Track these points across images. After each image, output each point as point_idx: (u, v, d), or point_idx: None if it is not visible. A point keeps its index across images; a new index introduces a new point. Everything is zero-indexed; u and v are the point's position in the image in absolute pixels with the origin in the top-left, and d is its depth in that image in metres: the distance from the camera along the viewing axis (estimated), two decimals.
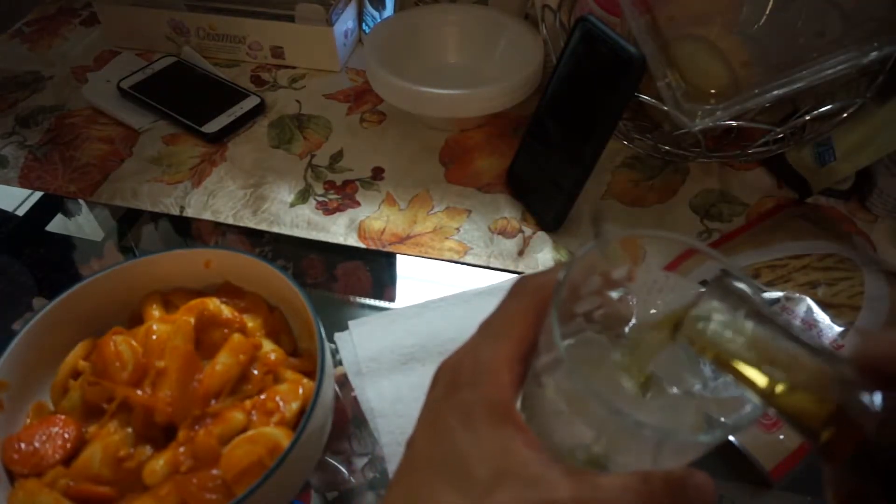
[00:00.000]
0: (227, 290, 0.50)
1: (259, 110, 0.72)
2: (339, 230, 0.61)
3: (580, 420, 0.25)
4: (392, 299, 0.57)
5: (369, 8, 0.80)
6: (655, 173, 0.65)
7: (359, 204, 0.63)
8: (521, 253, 0.58)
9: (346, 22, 0.77)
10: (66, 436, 0.42)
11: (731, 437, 0.44)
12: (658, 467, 0.23)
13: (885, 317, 0.49)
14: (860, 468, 0.20)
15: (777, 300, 0.50)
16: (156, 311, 0.48)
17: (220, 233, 0.62)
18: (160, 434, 0.42)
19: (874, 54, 0.48)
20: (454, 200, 0.63)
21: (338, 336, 0.52)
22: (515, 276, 0.56)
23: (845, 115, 0.54)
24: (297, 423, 0.41)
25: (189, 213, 0.63)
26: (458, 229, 0.61)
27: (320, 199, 0.64)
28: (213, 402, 0.42)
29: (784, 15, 0.52)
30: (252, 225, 0.62)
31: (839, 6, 0.51)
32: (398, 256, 0.59)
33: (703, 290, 0.25)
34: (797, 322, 0.48)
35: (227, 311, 0.47)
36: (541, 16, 0.63)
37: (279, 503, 0.41)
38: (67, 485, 0.40)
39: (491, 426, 0.24)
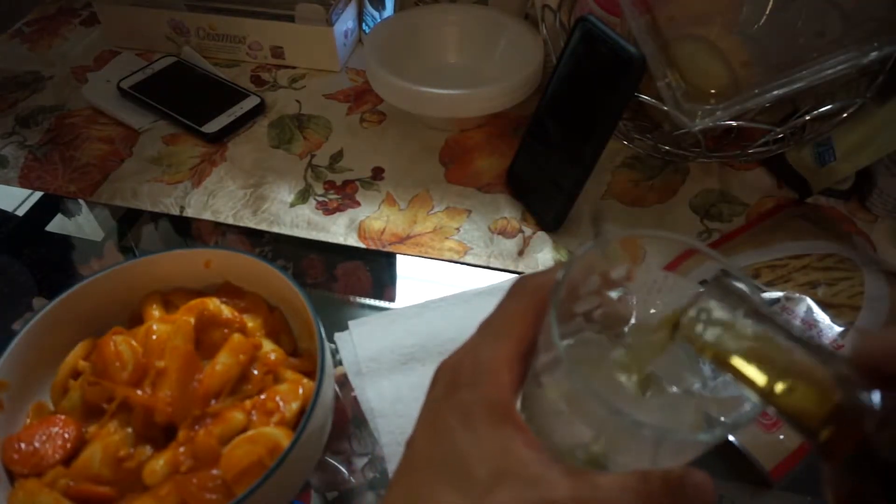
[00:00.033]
0: (227, 290, 0.50)
1: (259, 110, 0.72)
2: (339, 230, 0.61)
3: (579, 420, 0.25)
4: (392, 299, 0.57)
5: (369, 8, 0.80)
6: (655, 173, 0.65)
7: (359, 204, 0.63)
8: (521, 253, 0.58)
9: (346, 22, 0.77)
10: (66, 436, 0.42)
11: (730, 437, 0.44)
12: (657, 466, 0.23)
13: (885, 317, 0.49)
14: (859, 467, 0.20)
15: (777, 300, 0.50)
16: (156, 311, 0.48)
17: (220, 233, 0.62)
18: (160, 434, 0.42)
19: (874, 54, 0.48)
20: (454, 200, 0.63)
21: (338, 336, 0.52)
22: (515, 276, 0.56)
23: (845, 115, 0.54)
24: (297, 423, 0.41)
25: (189, 213, 0.63)
26: (458, 229, 0.61)
27: (320, 199, 0.64)
28: (213, 402, 0.42)
29: (784, 15, 0.52)
30: (252, 225, 0.62)
31: (839, 6, 0.51)
32: (398, 256, 0.59)
33: (702, 289, 0.25)
34: (797, 322, 0.48)
35: (227, 311, 0.47)
36: (541, 16, 0.63)
37: (279, 503, 0.41)
38: (67, 485, 0.40)
39: (490, 426, 0.24)
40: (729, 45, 0.52)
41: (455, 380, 0.26)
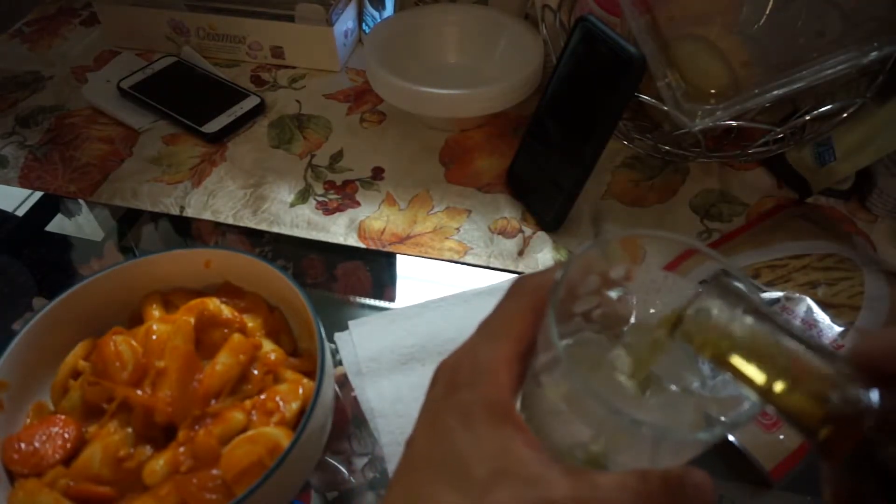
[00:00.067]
0: (227, 290, 0.50)
1: (259, 110, 0.72)
2: (339, 230, 0.61)
3: (579, 419, 0.25)
4: (392, 299, 0.57)
5: (369, 8, 0.80)
6: (655, 173, 0.65)
7: (359, 204, 0.63)
8: (521, 253, 0.58)
9: (346, 22, 0.77)
10: (66, 436, 0.42)
11: (730, 437, 0.44)
12: (657, 466, 0.23)
13: (885, 317, 0.49)
14: (858, 466, 0.20)
15: (777, 300, 0.50)
16: (156, 311, 0.48)
17: (220, 233, 0.62)
18: (160, 434, 0.42)
19: (874, 54, 0.48)
20: (454, 200, 0.63)
21: (338, 336, 0.52)
22: (515, 275, 0.56)
23: (845, 115, 0.54)
24: (297, 423, 0.41)
25: (189, 213, 0.63)
26: (458, 229, 0.61)
27: (320, 199, 0.64)
28: (213, 402, 0.42)
29: (784, 15, 0.52)
30: (252, 225, 0.62)
31: (839, 6, 0.51)
32: (398, 256, 0.59)
33: (701, 289, 0.25)
34: (797, 322, 0.48)
35: (227, 311, 0.47)
36: (541, 16, 0.63)
37: (279, 503, 0.41)
38: (67, 485, 0.40)
39: (490, 426, 0.24)
40: (729, 45, 0.52)
41: (454, 380, 0.26)
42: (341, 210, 0.62)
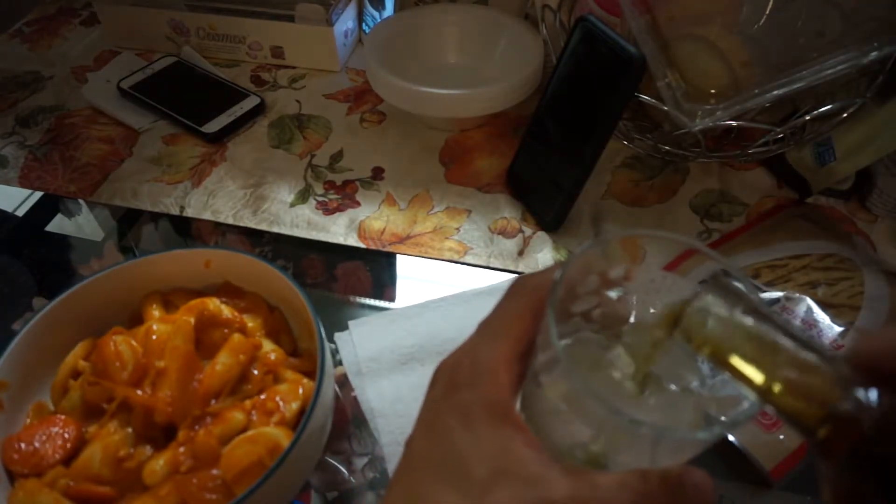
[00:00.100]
0: (227, 290, 0.50)
1: (259, 110, 0.72)
2: (339, 230, 0.61)
3: (578, 419, 0.25)
4: (392, 299, 0.57)
5: (369, 8, 0.80)
6: (655, 173, 0.65)
7: (359, 204, 0.63)
8: (521, 253, 0.58)
9: (346, 22, 0.77)
10: (66, 436, 0.42)
11: (730, 437, 0.44)
12: (657, 465, 0.23)
13: (885, 317, 0.49)
14: (857, 466, 0.20)
15: (777, 300, 0.50)
16: (156, 311, 0.48)
17: (220, 233, 0.62)
18: (160, 434, 0.42)
19: (874, 54, 0.48)
20: (454, 200, 0.63)
21: (338, 336, 0.52)
22: (515, 275, 0.56)
23: (845, 115, 0.54)
24: (297, 423, 0.41)
25: (189, 213, 0.63)
26: (458, 229, 0.61)
27: (320, 199, 0.64)
28: (213, 402, 0.42)
29: (784, 15, 0.52)
30: (252, 225, 0.62)
31: (839, 6, 0.51)
32: (398, 256, 0.59)
33: (700, 289, 0.25)
34: (797, 322, 0.48)
35: (227, 311, 0.47)
36: (541, 16, 0.63)
37: (279, 503, 0.41)
38: (67, 485, 0.40)
39: (490, 426, 0.24)
40: (729, 45, 0.52)
41: (454, 380, 0.26)
42: (341, 210, 0.62)
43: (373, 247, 0.59)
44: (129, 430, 0.42)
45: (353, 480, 0.45)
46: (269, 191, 0.64)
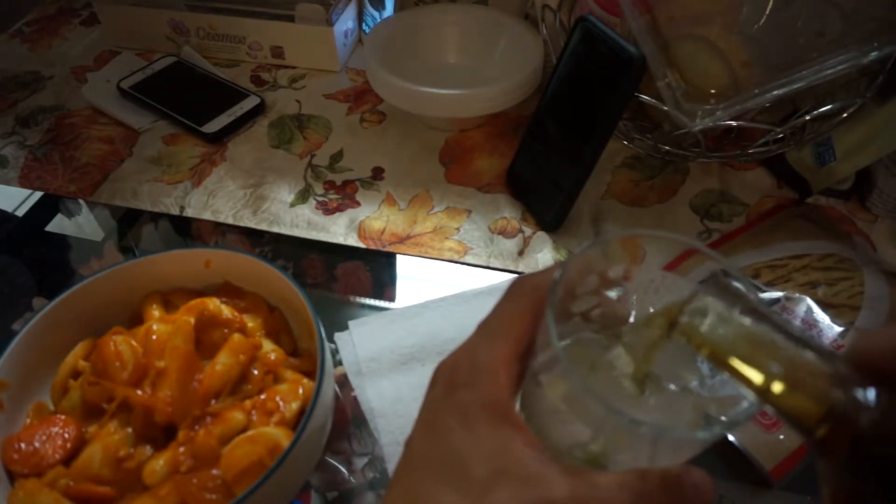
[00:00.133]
0: (227, 290, 0.50)
1: (259, 110, 0.72)
2: (339, 230, 0.61)
3: (578, 419, 0.25)
4: (392, 299, 0.57)
5: (369, 8, 0.80)
6: (655, 173, 0.65)
7: (359, 204, 0.63)
8: (521, 253, 0.58)
9: (346, 22, 0.77)
10: (66, 436, 0.42)
11: (730, 437, 0.44)
12: (656, 465, 0.23)
13: (885, 317, 0.49)
14: (856, 466, 0.20)
15: (777, 300, 0.50)
16: (156, 311, 0.48)
17: (220, 233, 0.62)
18: (160, 434, 0.42)
19: (874, 54, 0.48)
20: (454, 200, 0.63)
21: (338, 336, 0.52)
22: (515, 276, 0.56)
23: (845, 115, 0.54)
24: (297, 423, 0.41)
25: (189, 213, 0.63)
26: (458, 229, 0.61)
27: (320, 199, 0.64)
28: (213, 402, 0.42)
29: (784, 15, 0.52)
30: (252, 225, 0.62)
31: (839, 6, 0.51)
32: (398, 256, 0.59)
33: (700, 288, 0.25)
34: (797, 322, 0.48)
35: (227, 311, 0.47)
36: (541, 16, 0.63)
37: (279, 503, 0.41)
38: (67, 485, 0.40)
39: (489, 426, 0.24)
40: (729, 45, 0.52)
41: (453, 380, 0.26)
42: (341, 210, 0.62)
43: (373, 247, 0.59)
44: (129, 430, 0.42)
45: (353, 480, 0.45)
46: (269, 191, 0.64)
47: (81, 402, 0.43)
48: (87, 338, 0.47)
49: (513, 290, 0.28)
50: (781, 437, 0.44)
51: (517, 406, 0.26)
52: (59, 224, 0.65)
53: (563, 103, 0.56)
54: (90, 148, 0.70)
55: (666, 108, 0.51)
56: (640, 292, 0.27)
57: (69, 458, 0.41)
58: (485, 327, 0.28)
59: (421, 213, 0.62)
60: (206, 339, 0.46)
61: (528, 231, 0.60)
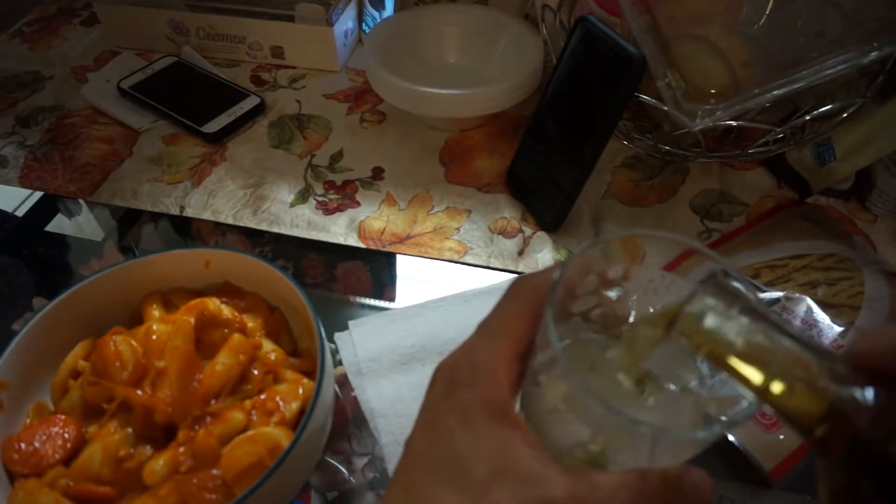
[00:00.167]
0: (227, 290, 0.50)
1: (259, 110, 0.72)
2: (339, 230, 0.61)
3: (577, 419, 0.25)
4: (392, 299, 0.57)
5: (369, 8, 0.80)
6: (655, 173, 0.65)
7: (359, 204, 0.63)
8: (521, 253, 0.58)
9: (346, 22, 0.77)
10: (66, 436, 0.42)
11: (730, 437, 0.44)
12: (656, 465, 0.24)
13: (885, 317, 0.49)
14: (854, 464, 0.20)
15: (777, 300, 0.50)
16: (156, 311, 0.48)
17: (220, 233, 0.62)
18: (160, 434, 0.42)
19: (874, 54, 0.48)
20: (454, 200, 0.63)
21: (338, 336, 0.52)
22: (515, 275, 0.56)
23: (845, 115, 0.54)
24: (297, 423, 0.41)
25: (189, 213, 0.63)
26: (458, 229, 0.61)
27: (320, 199, 0.64)
28: (213, 402, 0.42)
29: (784, 15, 0.52)
30: (252, 225, 0.62)
31: (839, 6, 0.51)
32: (398, 256, 0.59)
33: (699, 288, 0.25)
34: (797, 322, 0.48)
35: (227, 311, 0.47)
36: (541, 16, 0.63)
37: (279, 503, 0.41)
38: (67, 485, 0.40)
39: (489, 425, 0.24)
40: (729, 45, 0.52)
41: (453, 380, 0.26)
42: (341, 210, 0.62)
43: (373, 247, 0.59)
44: (129, 430, 0.42)
45: (353, 480, 0.45)
46: (269, 191, 0.64)
47: (81, 402, 0.43)
48: (87, 338, 0.47)
49: (512, 290, 0.28)
50: (781, 437, 0.44)
51: (517, 406, 0.26)
52: (58, 224, 0.65)
53: (563, 103, 0.56)
54: (90, 148, 0.70)
55: (666, 108, 0.51)
56: (640, 292, 0.27)
57: (69, 458, 0.41)
58: (485, 327, 0.28)
59: (421, 213, 0.62)
60: (206, 339, 0.46)
61: (528, 231, 0.60)
